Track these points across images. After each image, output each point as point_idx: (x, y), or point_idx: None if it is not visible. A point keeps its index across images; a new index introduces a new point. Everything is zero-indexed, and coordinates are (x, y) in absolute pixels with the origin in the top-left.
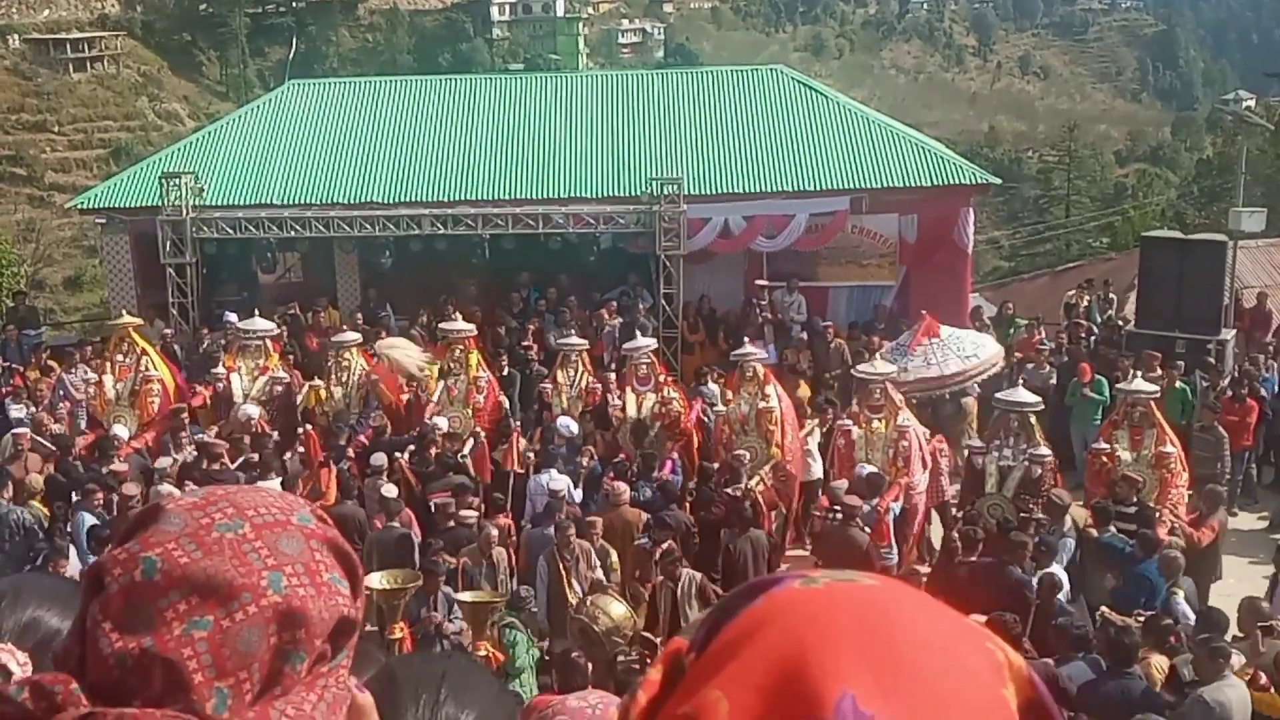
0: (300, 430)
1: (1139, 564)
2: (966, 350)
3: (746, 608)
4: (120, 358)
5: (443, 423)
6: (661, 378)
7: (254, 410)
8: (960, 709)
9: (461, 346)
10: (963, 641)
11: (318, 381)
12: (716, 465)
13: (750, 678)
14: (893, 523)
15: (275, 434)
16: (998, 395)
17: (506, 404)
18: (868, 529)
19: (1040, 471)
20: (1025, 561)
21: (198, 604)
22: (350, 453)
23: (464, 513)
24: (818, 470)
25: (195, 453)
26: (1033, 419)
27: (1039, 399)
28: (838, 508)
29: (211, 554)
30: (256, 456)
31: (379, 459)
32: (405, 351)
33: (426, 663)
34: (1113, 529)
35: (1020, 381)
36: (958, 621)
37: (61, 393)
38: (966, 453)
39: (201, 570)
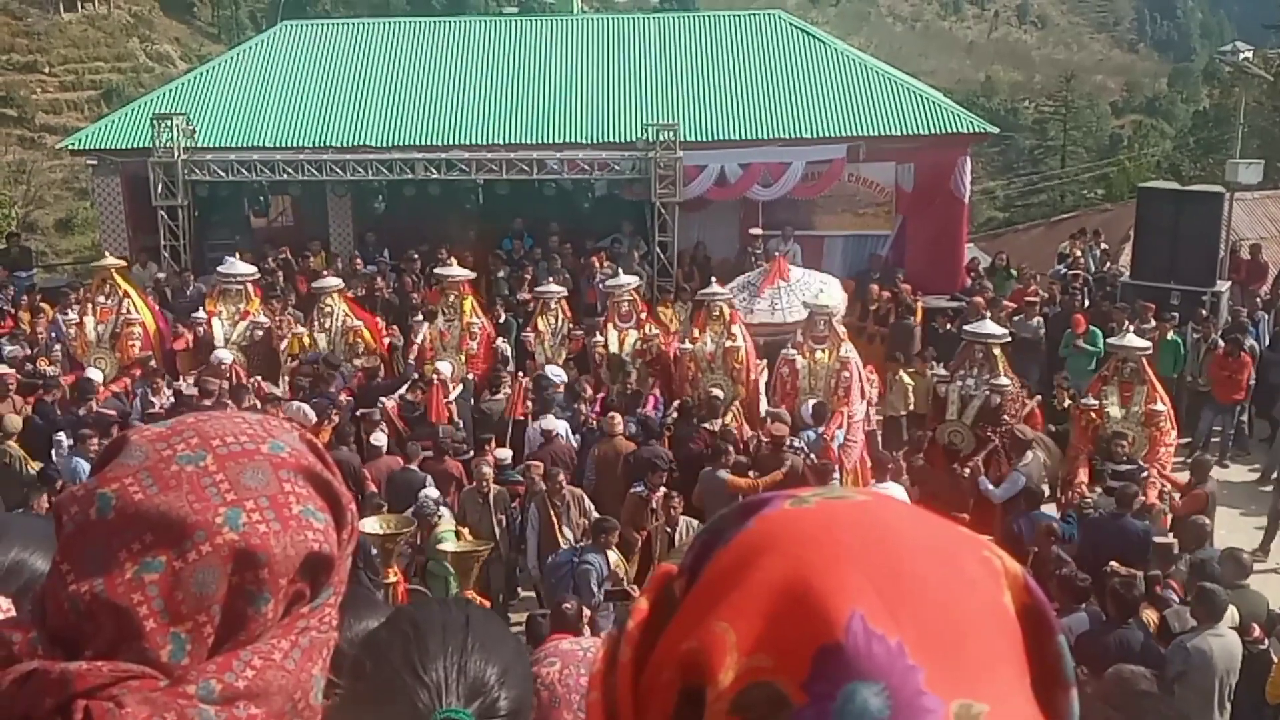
0: (254, 381)
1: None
2: (811, 296)
3: (739, 531)
4: (102, 299)
5: (445, 368)
6: (642, 315)
7: (226, 355)
8: (965, 619)
9: (456, 292)
10: (961, 550)
11: (300, 329)
12: (693, 401)
13: (754, 605)
14: (837, 449)
15: (256, 379)
16: (965, 327)
17: (507, 350)
18: (813, 455)
19: (999, 401)
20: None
21: (151, 543)
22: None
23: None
24: (764, 408)
25: (174, 399)
26: (996, 351)
27: (1005, 331)
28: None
29: (168, 489)
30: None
31: (380, 404)
32: None
33: (448, 610)
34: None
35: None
36: (954, 530)
37: (54, 334)
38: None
39: (155, 507)
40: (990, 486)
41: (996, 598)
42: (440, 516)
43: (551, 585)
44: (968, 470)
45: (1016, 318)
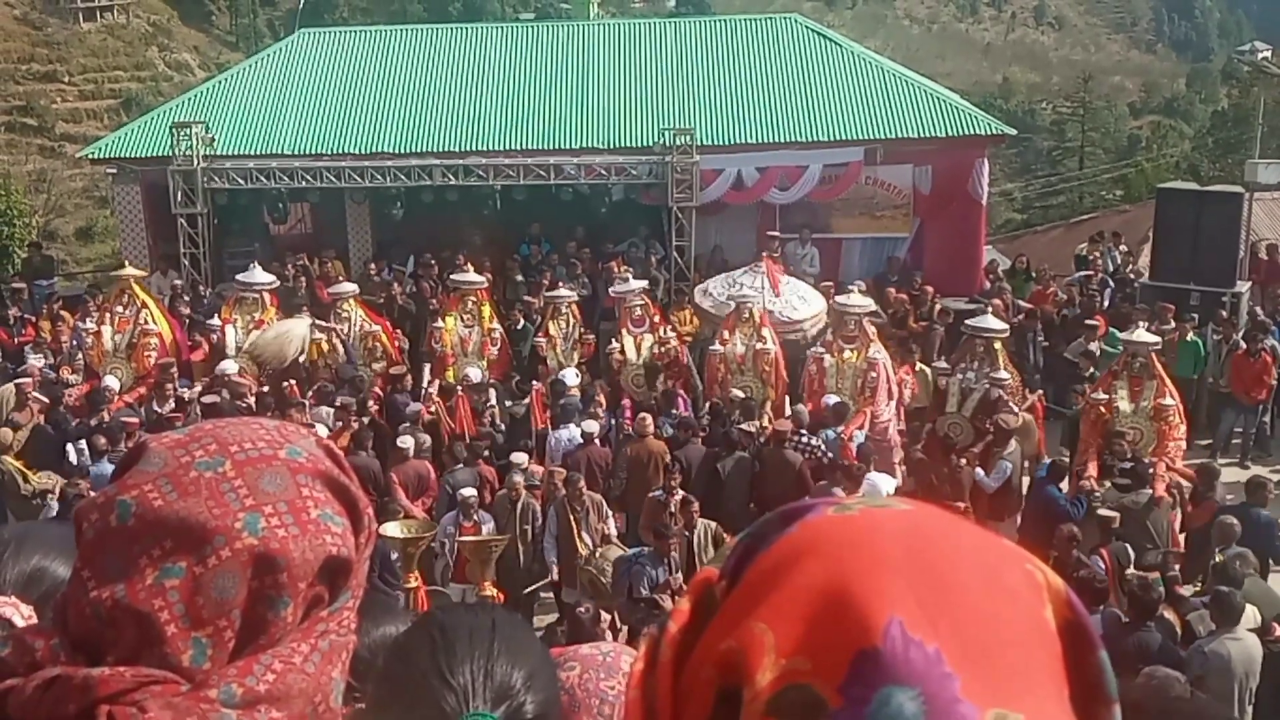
0: (285, 384)
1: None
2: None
3: (781, 536)
4: (120, 309)
5: (475, 374)
6: (655, 318)
7: (231, 366)
8: (1004, 630)
9: (474, 298)
10: (1003, 562)
11: (318, 335)
12: (722, 403)
13: (794, 608)
14: (856, 449)
15: (265, 388)
16: (966, 321)
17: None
18: (831, 454)
19: (999, 394)
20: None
21: (171, 549)
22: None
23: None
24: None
25: (175, 407)
26: (997, 345)
27: (1005, 326)
28: (802, 432)
29: (187, 495)
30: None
31: (415, 408)
32: (278, 341)
33: (474, 614)
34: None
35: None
36: (997, 542)
37: (76, 343)
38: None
39: (175, 513)
40: (984, 476)
41: (1037, 611)
42: (479, 520)
43: (611, 584)
44: (964, 461)
45: (1075, 342)
